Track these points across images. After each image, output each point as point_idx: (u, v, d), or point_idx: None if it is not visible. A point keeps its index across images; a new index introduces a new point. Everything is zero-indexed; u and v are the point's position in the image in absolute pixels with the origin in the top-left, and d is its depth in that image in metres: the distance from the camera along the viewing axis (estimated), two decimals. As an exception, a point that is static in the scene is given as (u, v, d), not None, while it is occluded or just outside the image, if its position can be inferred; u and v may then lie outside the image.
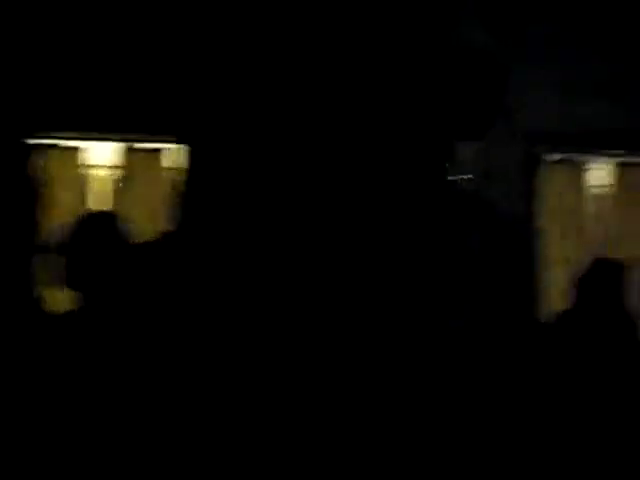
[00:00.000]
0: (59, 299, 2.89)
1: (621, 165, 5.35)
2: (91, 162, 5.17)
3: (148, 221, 4.98)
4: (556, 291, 5.07)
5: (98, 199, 5.13)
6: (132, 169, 5.11)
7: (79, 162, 5.19)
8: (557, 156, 5.31)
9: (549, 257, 5.17)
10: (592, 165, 5.38)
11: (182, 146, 5.03)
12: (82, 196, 5.13)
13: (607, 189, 5.36)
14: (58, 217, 5.07)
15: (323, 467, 2.80)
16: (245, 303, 3.69)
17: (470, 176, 4.54)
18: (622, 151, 5.30)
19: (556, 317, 3.49)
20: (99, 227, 3.00)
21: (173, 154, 4.99)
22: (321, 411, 2.83)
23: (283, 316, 3.39)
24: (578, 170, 5.35)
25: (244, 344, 3.31)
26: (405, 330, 3.77)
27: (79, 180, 5.19)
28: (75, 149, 5.15)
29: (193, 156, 4.90)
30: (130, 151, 5.09)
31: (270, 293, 3.68)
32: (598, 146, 5.29)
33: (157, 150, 5.08)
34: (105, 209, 4.70)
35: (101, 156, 5.14)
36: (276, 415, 2.93)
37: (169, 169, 5.04)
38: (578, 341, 3.16)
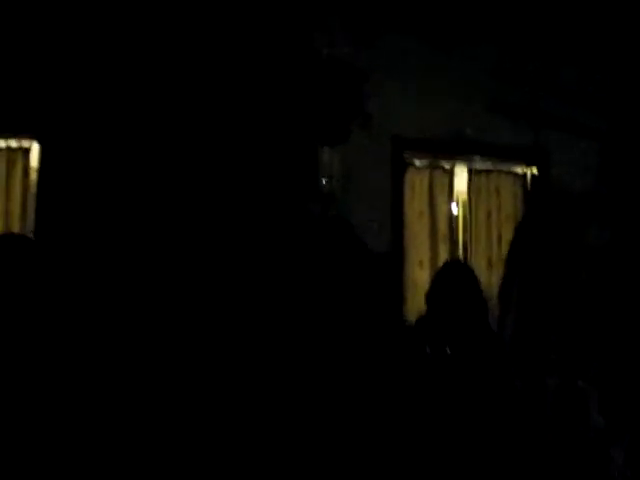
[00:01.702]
0: None
1: (475, 171, 5.54)
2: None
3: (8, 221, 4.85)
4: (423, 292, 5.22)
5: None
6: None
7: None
8: (424, 161, 5.44)
9: (415, 260, 5.32)
10: (457, 170, 5.54)
11: (38, 145, 4.91)
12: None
13: (466, 194, 5.55)
14: None
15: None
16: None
17: (325, 179, 4.65)
18: (479, 157, 5.50)
19: (419, 317, 3.62)
20: None
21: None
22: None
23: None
24: (445, 174, 5.49)
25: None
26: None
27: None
28: None
29: (45, 155, 4.80)
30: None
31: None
32: (460, 152, 5.46)
33: (27, 150, 4.94)
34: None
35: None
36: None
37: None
38: (435, 340, 3.28)
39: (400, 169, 5.30)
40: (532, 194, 5.54)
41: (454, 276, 3.33)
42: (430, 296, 3.39)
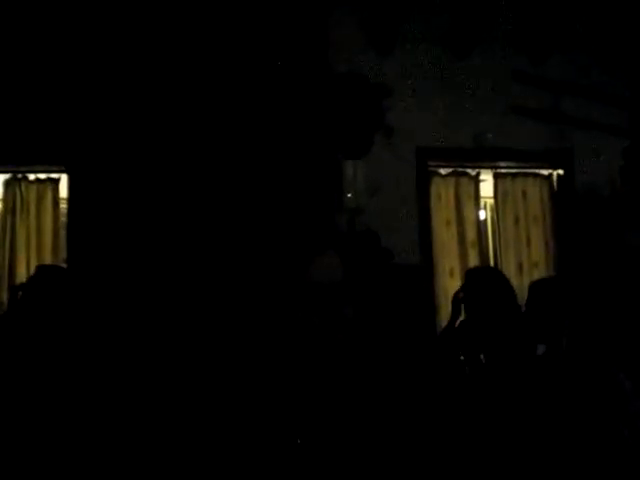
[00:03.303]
0: None
1: (501, 176, 5.52)
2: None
3: (41, 251, 4.91)
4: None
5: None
6: (27, 200, 5.00)
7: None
8: (448, 169, 5.42)
9: (445, 268, 5.30)
10: (482, 176, 5.51)
11: (66, 175, 4.98)
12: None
13: (492, 199, 5.53)
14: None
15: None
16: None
17: (350, 193, 4.66)
18: (504, 161, 5.47)
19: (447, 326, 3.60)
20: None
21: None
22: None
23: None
24: (470, 181, 5.46)
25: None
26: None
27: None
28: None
29: (74, 185, 4.86)
30: (23, 181, 4.99)
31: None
32: (484, 158, 5.43)
33: (56, 180, 5.00)
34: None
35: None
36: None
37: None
38: (469, 348, 3.27)
39: (425, 179, 5.28)
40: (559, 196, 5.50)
41: (486, 283, 3.30)
42: (464, 303, 3.35)
